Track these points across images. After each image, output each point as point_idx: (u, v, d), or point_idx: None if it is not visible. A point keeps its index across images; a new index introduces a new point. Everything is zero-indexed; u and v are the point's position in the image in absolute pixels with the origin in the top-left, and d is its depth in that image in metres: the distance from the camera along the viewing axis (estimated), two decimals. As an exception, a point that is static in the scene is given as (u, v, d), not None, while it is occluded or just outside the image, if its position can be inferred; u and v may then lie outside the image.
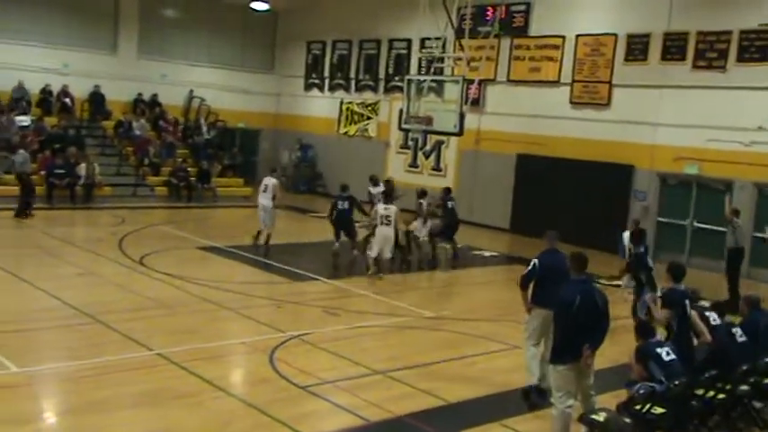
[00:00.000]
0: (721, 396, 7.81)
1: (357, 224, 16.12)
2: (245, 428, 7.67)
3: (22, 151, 19.84)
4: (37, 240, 16.61)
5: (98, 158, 22.87)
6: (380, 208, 14.98)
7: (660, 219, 19.44)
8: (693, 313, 8.39)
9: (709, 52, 18.25)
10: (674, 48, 18.84)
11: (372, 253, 14.85)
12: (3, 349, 9.13)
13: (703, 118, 18.18)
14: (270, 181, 17.21)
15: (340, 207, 15.74)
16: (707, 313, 8.71)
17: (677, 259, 18.13)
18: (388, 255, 14.93)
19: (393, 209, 14.93)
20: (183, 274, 13.83)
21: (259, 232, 16.81)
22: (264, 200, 16.93)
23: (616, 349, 8.88)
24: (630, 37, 19.69)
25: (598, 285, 8.65)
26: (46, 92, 24.39)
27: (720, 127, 17.86)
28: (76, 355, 9.40)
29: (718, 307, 9.19)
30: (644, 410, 7.25)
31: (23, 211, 18.91)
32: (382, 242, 14.74)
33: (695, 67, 18.47)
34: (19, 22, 24.31)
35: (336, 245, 15.78)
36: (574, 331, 7.24)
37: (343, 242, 15.83)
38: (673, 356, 7.68)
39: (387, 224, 14.74)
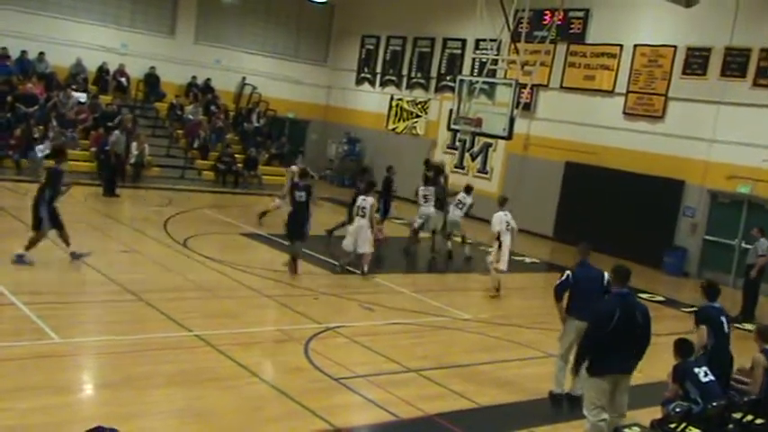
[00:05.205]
0: (759, 421, 7.65)
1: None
2: (277, 415, 7.75)
3: (117, 132, 20.63)
4: (85, 216, 16.94)
5: (149, 139, 23.24)
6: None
7: (707, 237, 19.10)
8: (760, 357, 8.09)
9: (771, 70, 17.86)
10: (734, 64, 18.45)
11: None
12: (48, 320, 9.36)
13: (760, 137, 17.80)
14: None
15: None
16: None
17: (722, 279, 17.93)
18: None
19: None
20: (225, 259, 14.01)
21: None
22: None
23: (654, 366, 8.75)
24: (690, 50, 19.34)
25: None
26: (103, 70, 24.85)
27: (777, 147, 17.52)
28: (117, 330, 9.60)
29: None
30: (679, 429, 7.14)
31: (112, 190, 19.52)
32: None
33: (756, 84, 18.08)
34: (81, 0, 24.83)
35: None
36: (611, 345, 7.17)
37: None
38: (711, 377, 7.56)
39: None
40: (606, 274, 8.35)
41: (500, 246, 14.05)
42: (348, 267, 14.43)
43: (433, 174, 17.84)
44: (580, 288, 8.74)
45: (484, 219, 17.15)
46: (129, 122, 22.29)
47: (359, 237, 14.15)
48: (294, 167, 17.59)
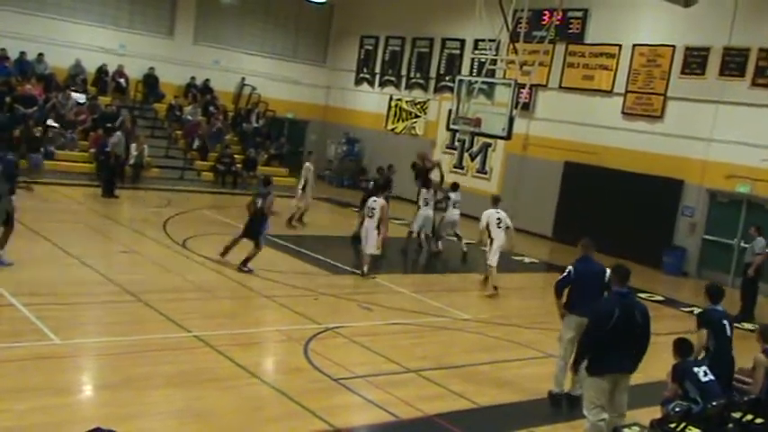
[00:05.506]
0: (759, 420, 7.65)
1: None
2: (276, 415, 7.75)
3: (118, 133, 20.72)
4: (85, 217, 16.96)
5: (148, 140, 23.22)
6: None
7: (706, 236, 19.10)
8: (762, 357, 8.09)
9: (770, 70, 17.86)
10: (733, 63, 18.45)
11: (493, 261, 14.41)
12: (47, 321, 9.36)
13: (759, 137, 17.80)
14: None
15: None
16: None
17: (721, 279, 17.92)
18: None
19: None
20: (224, 260, 13.99)
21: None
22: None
23: (654, 365, 8.75)
24: (689, 50, 19.34)
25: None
26: (102, 71, 24.80)
27: (776, 147, 17.51)
28: (117, 331, 9.61)
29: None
30: (678, 429, 7.14)
31: (111, 191, 19.50)
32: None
33: (754, 84, 18.07)
34: (79, 1, 24.78)
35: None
36: (611, 344, 7.17)
37: None
38: (710, 377, 7.55)
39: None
40: (608, 270, 8.34)
41: (492, 242, 14.15)
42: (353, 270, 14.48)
43: (421, 175, 17.85)
44: (581, 283, 8.73)
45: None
46: (129, 123, 22.29)
47: (367, 238, 14.23)
48: (308, 164, 18.09)
